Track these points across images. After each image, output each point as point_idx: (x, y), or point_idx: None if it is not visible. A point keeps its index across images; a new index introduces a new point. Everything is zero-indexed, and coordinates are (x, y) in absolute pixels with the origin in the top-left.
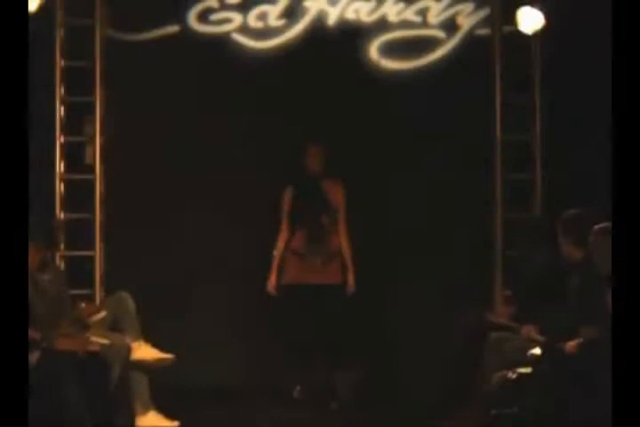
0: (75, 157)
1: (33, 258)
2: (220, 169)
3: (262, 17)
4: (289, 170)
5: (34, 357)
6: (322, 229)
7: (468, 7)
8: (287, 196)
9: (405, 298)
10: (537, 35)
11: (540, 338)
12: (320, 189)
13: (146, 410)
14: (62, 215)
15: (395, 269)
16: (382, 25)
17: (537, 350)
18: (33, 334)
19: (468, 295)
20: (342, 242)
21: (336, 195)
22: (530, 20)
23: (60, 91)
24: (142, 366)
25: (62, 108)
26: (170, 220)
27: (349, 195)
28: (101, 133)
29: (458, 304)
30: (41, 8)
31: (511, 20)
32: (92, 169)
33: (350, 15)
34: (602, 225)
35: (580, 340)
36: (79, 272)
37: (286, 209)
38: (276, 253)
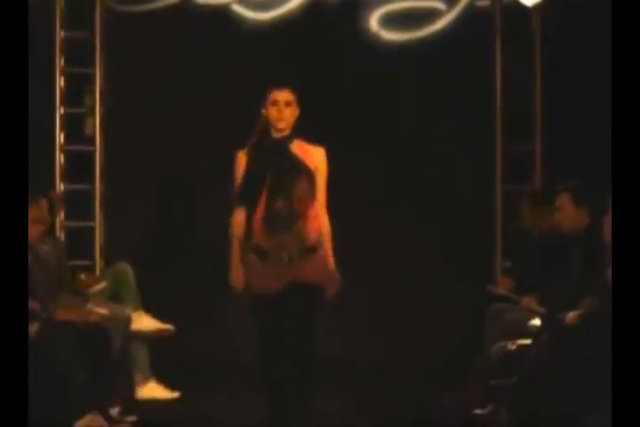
0: (75, 129)
1: (33, 229)
2: (220, 139)
3: None
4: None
5: (33, 327)
6: (289, 211)
7: None
8: (241, 160)
9: (404, 270)
10: (537, 6)
11: (539, 309)
12: (288, 152)
13: (146, 380)
14: (62, 186)
15: (392, 242)
16: None
17: (537, 322)
18: (32, 304)
19: (469, 267)
20: (322, 227)
21: (311, 160)
22: None
23: (59, 62)
24: (142, 336)
25: (62, 80)
26: (170, 190)
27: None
28: (101, 105)
29: (458, 276)
30: None
31: None
32: (92, 140)
33: None
34: None
35: (581, 311)
36: (79, 243)
37: (239, 179)
38: (235, 243)
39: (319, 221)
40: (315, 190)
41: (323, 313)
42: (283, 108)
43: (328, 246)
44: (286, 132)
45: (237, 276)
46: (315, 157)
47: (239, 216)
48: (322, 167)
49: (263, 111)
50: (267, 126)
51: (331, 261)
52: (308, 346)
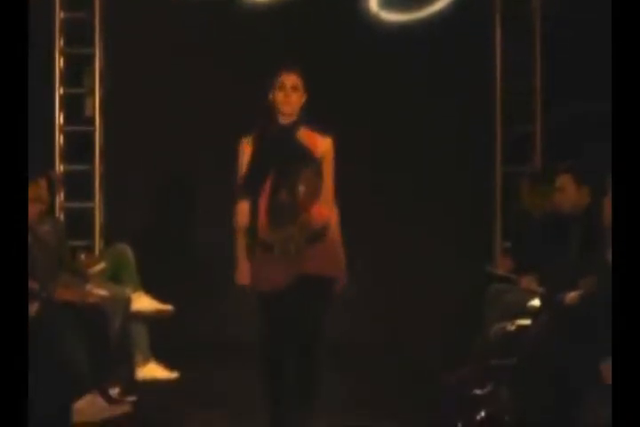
0: (74, 109)
1: (32, 209)
2: (221, 120)
3: None
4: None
5: (33, 307)
6: (292, 202)
7: None
8: (246, 147)
9: (404, 251)
10: None
11: (539, 289)
12: (294, 140)
13: (146, 361)
14: (62, 167)
15: (392, 223)
16: None
17: (536, 302)
18: (32, 284)
19: (469, 248)
20: (329, 218)
21: (318, 150)
22: None
23: (59, 42)
24: (142, 316)
25: (62, 60)
26: (169, 171)
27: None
28: (101, 85)
29: (458, 257)
30: None
31: None
32: (91, 121)
33: None
34: None
35: (580, 291)
36: (79, 224)
37: (243, 167)
38: (239, 237)
39: (325, 212)
40: (320, 181)
41: (332, 305)
42: (289, 93)
43: (337, 237)
44: (293, 118)
45: (244, 273)
46: (322, 146)
47: (243, 207)
48: (328, 158)
49: (270, 96)
50: (273, 112)
51: (340, 252)
52: (317, 339)
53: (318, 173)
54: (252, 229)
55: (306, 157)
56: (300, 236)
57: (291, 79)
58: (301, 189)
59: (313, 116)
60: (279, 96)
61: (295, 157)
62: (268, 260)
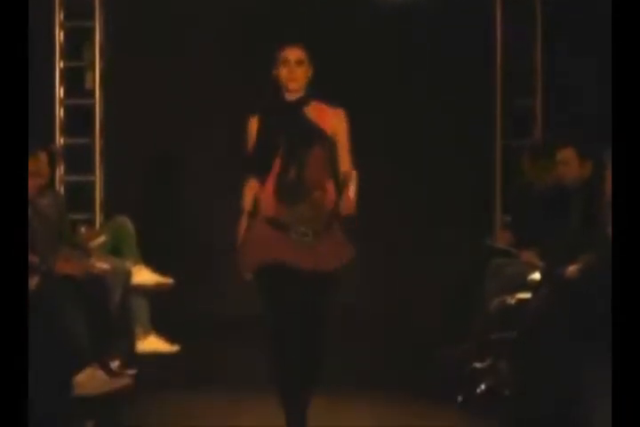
0: (74, 82)
1: (32, 182)
2: (222, 93)
3: None
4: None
5: (33, 281)
6: (300, 180)
7: None
8: (253, 126)
9: (404, 224)
10: None
11: (539, 263)
12: (302, 116)
13: (146, 334)
14: (62, 140)
15: (392, 197)
16: None
17: (536, 276)
18: (32, 258)
19: (469, 221)
20: (347, 195)
21: (328, 124)
22: None
23: (59, 16)
24: (142, 290)
25: (62, 34)
26: (170, 144)
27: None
28: (101, 58)
29: (458, 230)
30: None
31: None
32: (91, 94)
33: None
34: None
35: (580, 265)
36: (79, 197)
37: (251, 146)
38: (245, 214)
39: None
40: (331, 157)
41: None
42: (294, 68)
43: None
44: (300, 94)
45: (246, 262)
46: (332, 120)
47: (252, 189)
48: (341, 131)
49: (274, 72)
50: (278, 88)
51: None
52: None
53: (327, 149)
54: (256, 209)
55: (314, 134)
56: (313, 217)
57: (294, 53)
58: (309, 165)
59: (319, 90)
60: (283, 72)
61: (303, 135)
62: (283, 237)
